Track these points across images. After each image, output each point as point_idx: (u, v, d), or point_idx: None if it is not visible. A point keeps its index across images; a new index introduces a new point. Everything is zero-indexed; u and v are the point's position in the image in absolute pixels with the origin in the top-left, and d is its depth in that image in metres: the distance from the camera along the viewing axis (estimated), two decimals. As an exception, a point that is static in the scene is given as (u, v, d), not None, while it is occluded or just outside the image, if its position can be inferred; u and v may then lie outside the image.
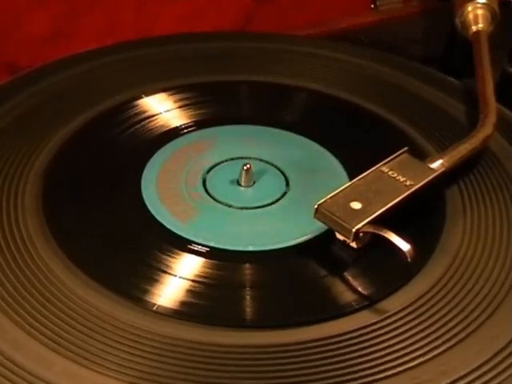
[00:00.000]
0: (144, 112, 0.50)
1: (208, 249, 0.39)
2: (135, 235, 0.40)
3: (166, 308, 0.35)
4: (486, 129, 0.45)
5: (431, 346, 0.34)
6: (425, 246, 0.39)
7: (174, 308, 0.35)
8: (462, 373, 0.32)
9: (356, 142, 0.48)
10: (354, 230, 0.37)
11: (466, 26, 0.56)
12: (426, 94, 0.53)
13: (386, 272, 0.38)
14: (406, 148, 0.43)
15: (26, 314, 0.34)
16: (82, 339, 0.33)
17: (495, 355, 0.33)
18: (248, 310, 0.36)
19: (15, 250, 0.38)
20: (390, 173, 0.41)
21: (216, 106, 0.51)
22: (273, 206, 0.43)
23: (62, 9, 0.63)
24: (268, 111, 0.51)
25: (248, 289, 0.37)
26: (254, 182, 0.44)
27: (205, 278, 0.37)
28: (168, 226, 0.40)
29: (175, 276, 0.37)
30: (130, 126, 0.48)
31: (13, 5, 0.61)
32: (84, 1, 0.64)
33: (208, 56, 0.57)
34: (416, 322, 0.35)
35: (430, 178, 0.41)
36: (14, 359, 0.32)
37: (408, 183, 0.40)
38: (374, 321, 0.35)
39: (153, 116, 0.49)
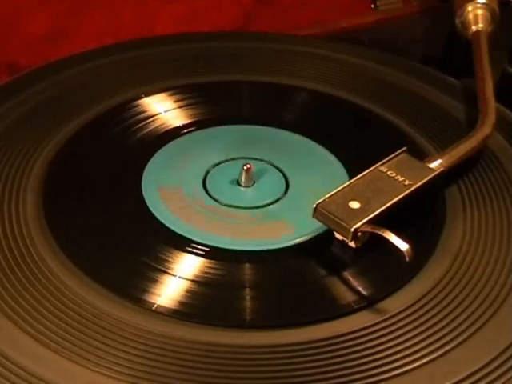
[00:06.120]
0: (144, 112, 0.50)
1: (208, 249, 0.39)
2: (135, 235, 0.40)
3: (165, 308, 0.35)
4: (485, 129, 0.45)
5: (432, 347, 0.34)
6: (425, 246, 0.39)
7: (174, 308, 0.35)
8: (464, 374, 0.32)
9: (356, 141, 0.48)
10: (352, 229, 0.37)
11: (465, 25, 0.56)
12: (425, 93, 0.53)
13: (385, 272, 0.38)
14: (404, 148, 0.43)
15: (26, 314, 0.34)
16: (82, 339, 0.33)
17: (497, 356, 0.33)
18: (248, 310, 0.36)
19: (15, 249, 0.38)
20: (389, 172, 0.41)
21: (216, 106, 0.51)
22: (273, 205, 0.43)
23: (62, 9, 0.63)
24: (268, 111, 0.51)
25: (248, 289, 0.37)
26: (254, 182, 0.44)
27: (205, 278, 0.37)
28: (168, 226, 0.40)
29: (175, 276, 0.37)
30: (130, 125, 0.48)
31: (13, 5, 0.62)
32: (84, 1, 0.64)
33: (208, 56, 0.57)
34: (416, 322, 0.35)
35: (429, 177, 0.41)
36: (13, 359, 0.32)
37: (407, 183, 0.40)
38: (374, 321, 0.35)
39: (153, 116, 0.49)
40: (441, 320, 0.35)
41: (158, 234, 0.40)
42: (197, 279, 0.37)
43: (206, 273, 0.37)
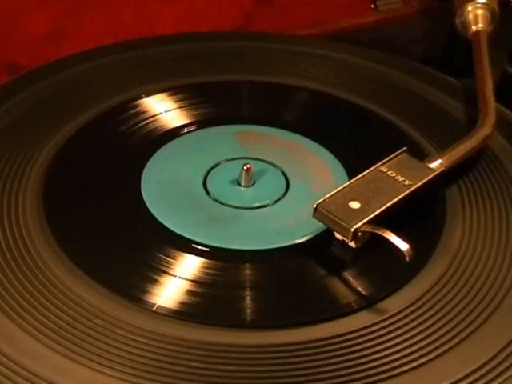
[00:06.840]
0: (144, 112, 0.50)
1: (208, 249, 0.39)
2: (135, 235, 0.40)
3: (165, 308, 0.35)
4: (485, 129, 0.45)
5: (431, 346, 0.34)
6: (425, 246, 0.39)
7: (174, 308, 0.35)
8: (463, 373, 0.33)
9: (356, 141, 0.48)
10: (352, 229, 0.37)
11: (465, 25, 0.56)
12: (425, 93, 0.53)
13: (385, 272, 0.38)
14: (404, 148, 0.43)
15: (26, 314, 0.34)
16: (82, 338, 0.33)
17: (496, 355, 0.33)
18: (248, 310, 0.36)
19: (15, 249, 0.38)
20: (389, 172, 0.41)
21: (216, 106, 0.51)
22: (273, 205, 0.43)
23: (62, 9, 0.63)
24: (268, 111, 0.51)
25: (248, 289, 0.37)
26: (254, 182, 0.44)
27: (205, 278, 0.37)
28: (168, 226, 0.40)
29: (175, 276, 0.37)
30: (130, 126, 0.48)
31: (13, 5, 0.62)
32: (84, 1, 0.64)
33: (208, 56, 0.57)
34: (416, 322, 0.35)
35: (429, 177, 0.41)
36: (12, 358, 0.32)
37: (407, 183, 0.40)
38: (374, 321, 0.35)
39: (153, 116, 0.49)
40: (440, 319, 0.35)
41: (157, 234, 0.40)
42: (197, 279, 0.37)
43: (206, 273, 0.37)
